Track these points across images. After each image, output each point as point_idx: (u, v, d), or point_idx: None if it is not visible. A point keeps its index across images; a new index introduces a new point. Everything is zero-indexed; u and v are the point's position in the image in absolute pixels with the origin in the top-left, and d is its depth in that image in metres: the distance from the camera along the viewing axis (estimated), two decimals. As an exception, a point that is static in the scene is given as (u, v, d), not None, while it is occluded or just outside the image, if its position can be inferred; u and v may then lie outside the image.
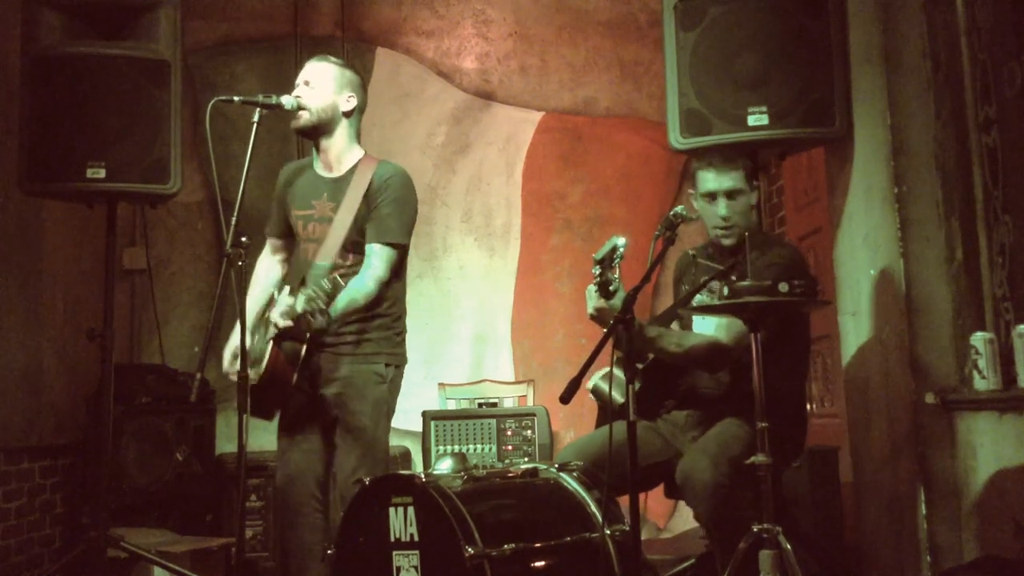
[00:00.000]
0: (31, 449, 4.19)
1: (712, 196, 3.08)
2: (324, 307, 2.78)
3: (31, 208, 4.15)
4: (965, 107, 3.17)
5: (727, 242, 3.08)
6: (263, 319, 3.13)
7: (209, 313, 4.85)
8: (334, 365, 3.12)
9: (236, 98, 3.06)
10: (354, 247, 3.14)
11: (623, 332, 2.56)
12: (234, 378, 2.82)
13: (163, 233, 5.15)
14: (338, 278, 2.84)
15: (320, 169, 3.25)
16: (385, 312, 3.17)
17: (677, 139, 3.39)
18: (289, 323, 2.89)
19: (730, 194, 3.06)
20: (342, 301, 2.96)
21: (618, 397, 2.86)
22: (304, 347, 3.05)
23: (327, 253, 3.11)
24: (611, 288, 2.63)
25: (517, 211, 5.32)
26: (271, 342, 3.02)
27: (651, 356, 3.07)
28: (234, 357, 3.04)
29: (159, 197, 3.62)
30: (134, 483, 4.21)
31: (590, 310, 2.80)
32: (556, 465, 2.86)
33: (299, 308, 2.79)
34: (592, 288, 2.74)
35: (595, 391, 3.10)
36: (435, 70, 5.39)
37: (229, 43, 5.31)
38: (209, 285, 5.09)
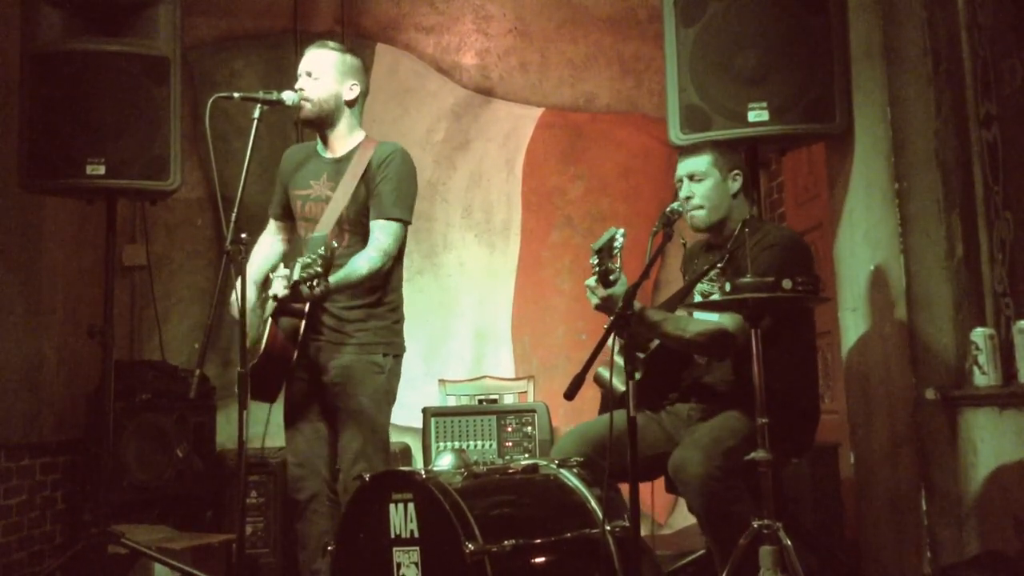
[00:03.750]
0: (32, 446, 4.19)
1: (680, 182, 3.13)
2: (320, 271, 2.72)
3: (31, 205, 4.15)
4: (965, 103, 3.17)
5: (695, 224, 3.10)
6: (260, 299, 3.13)
7: (209, 310, 4.84)
8: (333, 354, 3.11)
9: (236, 94, 3.05)
10: (351, 227, 3.13)
11: (623, 328, 2.56)
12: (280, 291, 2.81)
13: (163, 230, 5.15)
14: (334, 243, 2.82)
15: (323, 151, 3.25)
16: (383, 301, 3.17)
17: (677, 135, 3.39)
18: (287, 293, 2.84)
19: (691, 176, 3.08)
20: (343, 270, 2.96)
21: (619, 385, 2.86)
22: (303, 323, 3.04)
23: (323, 226, 3.11)
24: (611, 278, 2.64)
25: (517, 207, 5.32)
26: (269, 320, 3.01)
27: (653, 346, 3.07)
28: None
29: (159, 193, 3.62)
30: (135, 480, 4.20)
31: (595, 301, 2.80)
32: (556, 461, 2.86)
33: (295, 276, 2.76)
34: (592, 280, 2.75)
35: (598, 379, 3.10)
36: (435, 66, 5.38)
37: (229, 39, 5.30)
38: (209, 281, 5.08)
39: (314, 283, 2.73)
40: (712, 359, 3.06)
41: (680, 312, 3.11)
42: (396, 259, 3.16)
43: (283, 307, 2.97)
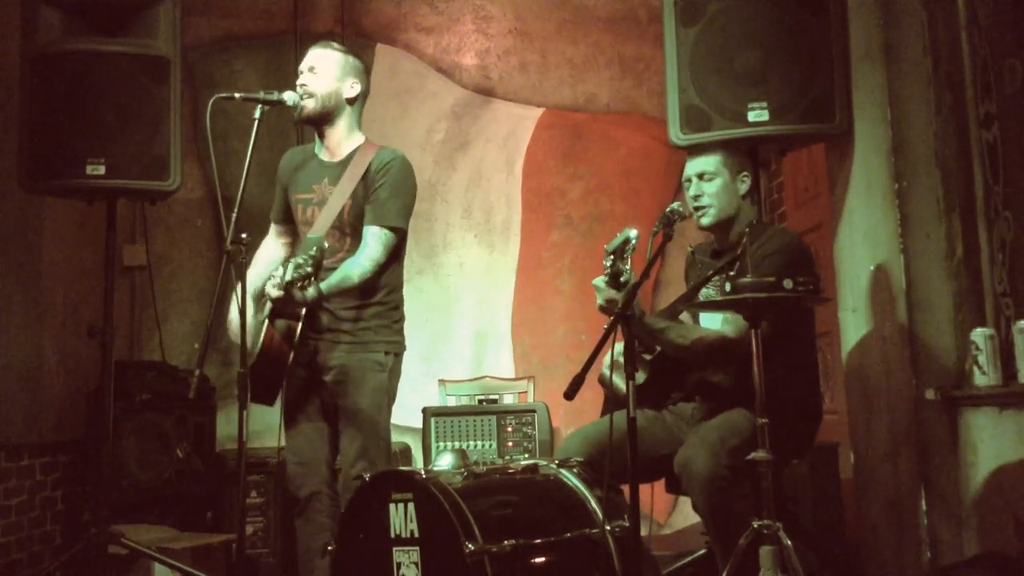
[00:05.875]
0: (32, 446, 4.19)
1: (688, 181, 3.13)
2: (311, 272, 2.74)
3: (31, 205, 4.15)
4: (965, 103, 3.17)
5: (703, 221, 3.09)
6: (259, 300, 3.13)
7: (209, 310, 4.85)
8: (333, 353, 3.11)
9: (238, 95, 3.05)
10: (351, 230, 3.13)
11: (624, 327, 2.56)
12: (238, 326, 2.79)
13: (163, 230, 5.15)
14: (325, 244, 2.82)
15: (322, 155, 3.25)
16: (383, 300, 3.16)
17: (677, 135, 3.39)
18: (280, 293, 2.85)
19: (701, 175, 3.09)
20: (335, 276, 2.97)
21: (621, 386, 2.86)
22: (299, 324, 3.03)
23: (319, 228, 3.11)
24: (622, 279, 2.64)
25: (517, 207, 5.32)
26: (266, 321, 3.01)
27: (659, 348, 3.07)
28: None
29: (159, 194, 3.62)
30: (134, 480, 4.21)
31: (600, 301, 2.80)
32: (556, 461, 2.86)
33: (287, 277, 2.77)
34: (600, 280, 2.75)
35: (602, 380, 3.10)
36: (435, 66, 5.38)
37: (229, 40, 5.30)
38: (209, 282, 5.09)
39: (305, 283, 2.75)
40: (713, 368, 3.06)
41: (684, 315, 3.11)
42: (393, 260, 3.16)
43: (279, 309, 2.97)
